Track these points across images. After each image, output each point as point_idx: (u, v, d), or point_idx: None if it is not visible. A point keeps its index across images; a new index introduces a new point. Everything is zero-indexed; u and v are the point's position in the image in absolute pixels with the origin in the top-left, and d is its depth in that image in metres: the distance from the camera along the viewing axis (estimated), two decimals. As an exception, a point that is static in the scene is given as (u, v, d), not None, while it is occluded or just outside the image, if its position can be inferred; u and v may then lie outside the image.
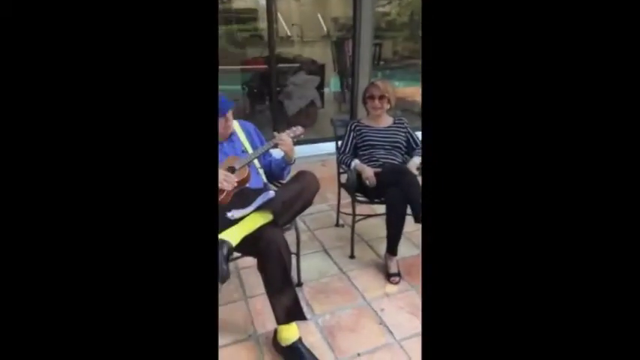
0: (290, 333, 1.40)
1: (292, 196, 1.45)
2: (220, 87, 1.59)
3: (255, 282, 1.83)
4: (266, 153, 1.71)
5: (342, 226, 2.43)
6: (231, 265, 1.49)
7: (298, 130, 1.69)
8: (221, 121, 1.57)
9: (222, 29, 4.58)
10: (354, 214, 2.04)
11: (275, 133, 1.63)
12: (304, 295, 1.79)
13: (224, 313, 1.68)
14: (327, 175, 2.52)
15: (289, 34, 5.44)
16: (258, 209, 1.41)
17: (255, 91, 4.35)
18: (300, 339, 1.41)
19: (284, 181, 1.74)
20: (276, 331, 1.45)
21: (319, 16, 5.22)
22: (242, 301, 1.76)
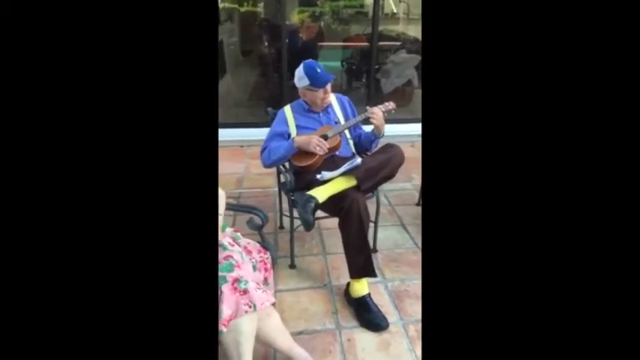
0: (361, 287, 1.56)
1: (376, 166, 1.57)
2: (321, 63, 1.74)
3: (333, 243, 2.03)
4: (357, 126, 1.84)
5: (424, 205, 2.47)
6: (314, 226, 1.67)
7: (390, 105, 1.78)
8: (319, 92, 1.74)
9: (328, 6, 4.71)
10: (436, 194, 2.07)
11: (367, 107, 1.74)
12: (378, 261, 1.92)
13: (305, 262, 1.91)
14: (415, 155, 2.54)
15: (395, 11, 5.34)
16: (344, 174, 1.56)
17: (353, 67, 4.45)
18: (369, 294, 1.56)
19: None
20: (348, 285, 1.62)
21: (428, -8, 5.02)
22: (321, 255, 1.97)
